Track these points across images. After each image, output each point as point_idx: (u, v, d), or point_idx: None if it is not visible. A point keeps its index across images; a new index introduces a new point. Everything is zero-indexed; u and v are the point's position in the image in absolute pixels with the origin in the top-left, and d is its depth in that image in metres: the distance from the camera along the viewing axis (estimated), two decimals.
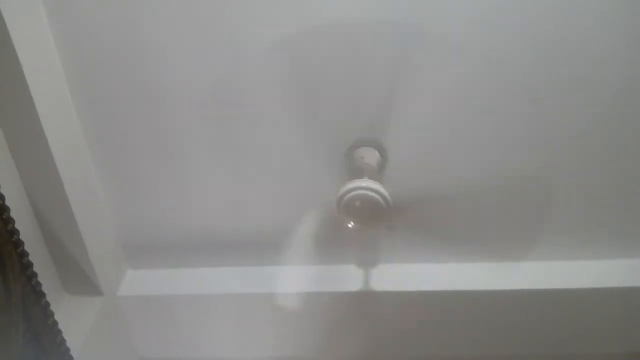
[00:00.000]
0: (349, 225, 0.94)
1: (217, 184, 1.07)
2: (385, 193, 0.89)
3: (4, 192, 0.74)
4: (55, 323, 0.87)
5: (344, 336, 1.22)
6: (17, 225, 0.77)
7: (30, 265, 0.80)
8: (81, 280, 1.07)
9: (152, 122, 0.99)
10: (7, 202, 0.75)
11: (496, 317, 1.15)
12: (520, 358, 1.23)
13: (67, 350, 0.90)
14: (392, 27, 0.86)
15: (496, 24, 0.85)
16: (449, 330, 1.19)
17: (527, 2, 0.83)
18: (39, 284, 0.82)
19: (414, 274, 1.15)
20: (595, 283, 1.09)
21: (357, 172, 0.97)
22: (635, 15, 0.84)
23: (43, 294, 0.84)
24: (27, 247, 0.80)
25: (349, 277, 1.15)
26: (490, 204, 1.07)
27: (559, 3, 0.83)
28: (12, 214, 0.76)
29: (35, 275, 0.81)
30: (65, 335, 0.89)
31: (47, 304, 0.85)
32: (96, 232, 1.06)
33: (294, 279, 1.17)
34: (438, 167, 1.02)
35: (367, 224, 0.94)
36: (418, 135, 0.98)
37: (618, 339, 1.17)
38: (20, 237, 0.78)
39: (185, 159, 1.04)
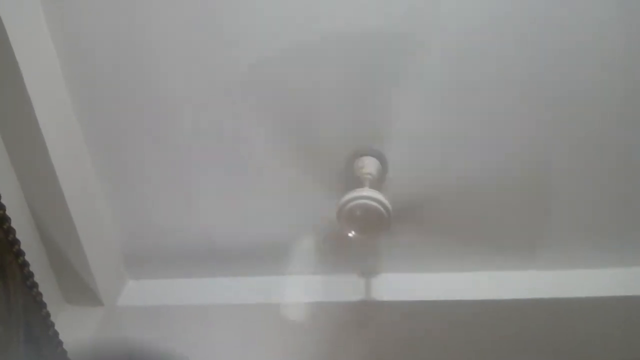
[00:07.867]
0: (350, 235, 0.94)
1: (218, 194, 1.07)
2: (386, 202, 0.89)
3: (4, 203, 0.74)
4: (56, 333, 0.87)
5: (345, 346, 1.21)
6: (18, 236, 0.77)
7: (31, 275, 0.80)
8: (82, 290, 1.07)
9: (153, 131, 0.99)
10: (8, 213, 0.75)
11: (497, 326, 1.14)
12: None
13: None
14: (392, 36, 0.87)
15: (496, 33, 0.85)
16: (451, 340, 1.18)
17: (528, 9, 0.83)
18: (39, 294, 0.82)
19: (416, 283, 1.14)
20: (595, 292, 1.08)
21: (357, 181, 0.97)
22: (637, 19, 0.84)
23: (44, 304, 0.84)
24: (27, 258, 0.79)
25: (350, 287, 1.15)
26: (491, 214, 1.06)
27: (558, 10, 0.83)
28: (13, 224, 0.76)
29: (36, 285, 0.81)
30: (66, 345, 0.89)
31: (48, 315, 0.85)
32: (97, 242, 1.06)
33: (296, 289, 1.16)
34: (439, 176, 1.02)
35: (368, 233, 0.93)
36: (419, 144, 0.98)
37: (618, 348, 1.16)
38: (21, 247, 0.78)
39: (186, 169, 1.04)
